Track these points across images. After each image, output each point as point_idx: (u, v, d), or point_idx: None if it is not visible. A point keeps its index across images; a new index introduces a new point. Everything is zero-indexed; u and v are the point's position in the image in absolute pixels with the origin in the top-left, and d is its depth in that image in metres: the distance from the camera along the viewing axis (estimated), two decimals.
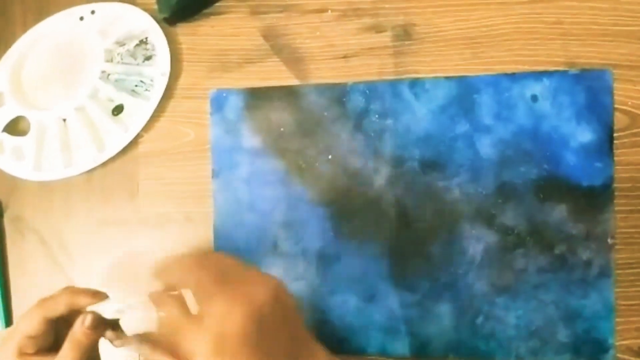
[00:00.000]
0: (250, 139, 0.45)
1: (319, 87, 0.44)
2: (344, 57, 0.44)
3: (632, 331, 0.40)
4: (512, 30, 0.41)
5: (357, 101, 0.44)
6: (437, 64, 0.42)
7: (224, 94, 0.46)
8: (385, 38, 0.43)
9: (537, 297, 0.41)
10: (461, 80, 0.42)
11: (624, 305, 0.40)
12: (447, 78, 0.43)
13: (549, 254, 0.41)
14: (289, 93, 0.45)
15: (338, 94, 0.44)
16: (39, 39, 0.49)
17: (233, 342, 0.28)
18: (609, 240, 0.40)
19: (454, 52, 0.42)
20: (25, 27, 0.49)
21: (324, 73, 0.44)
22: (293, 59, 0.45)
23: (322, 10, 0.44)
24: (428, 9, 0.43)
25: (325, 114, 0.44)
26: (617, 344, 0.40)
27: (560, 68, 0.41)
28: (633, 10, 0.40)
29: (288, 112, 0.45)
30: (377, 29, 0.43)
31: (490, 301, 0.41)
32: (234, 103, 0.46)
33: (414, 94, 0.43)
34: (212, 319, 0.29)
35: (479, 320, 0.41)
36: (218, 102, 0.46)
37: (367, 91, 0.44)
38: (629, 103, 0.40)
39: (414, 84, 0.43)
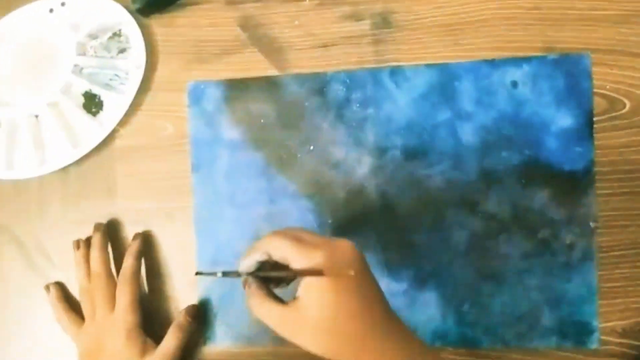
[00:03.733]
0: (230, 131, 0.43)
1: (299, 77, 0.42)
2: (324, 46, 0.42)
3: (616, 313, 0.38)
4: (490, 16, 0.40)
5: (337, 91, 0.42)
6: (417, 51, 0.41)
7: (202, 86, 0.43)
8: (364, 26, 0.41)
9: (521, 283, 0.39)
10: (441, 68, 0.41)
11: (606, 287, 0.39)
12: (427, 65, 0.41)
13: (532, 239, 0.39)
14: (268, 84, 0.42)
15: (318, 83, 0.42)
16: (7, 33, 0.45)
17: (346, 257, 0.30)
18: (591, 224, 0.39)
19: (433, 39, 0.40)
20: None
21: (304, 62, 0.42)
22: (272, 49, 0.42)
23: None
24: None
25: (306, 104, 0.42)
26: (601, 326, 0.39)
27: (539, 53, 0.39)
28: None
29: (268, 103, 0.42)
30: (356, 17, 0.41)
31: (476, 288, 0.40)
32: (213, 95, 0.43)
33: (395, 82, 0.41)
34: (327, 241, 0.31)
35: (465, 307, 0.40)
36: (196, 95, 0.43)
37: (348, 80, 0.41)
38: (608, 87, 0.39)
39: (395, 72, 0.41)
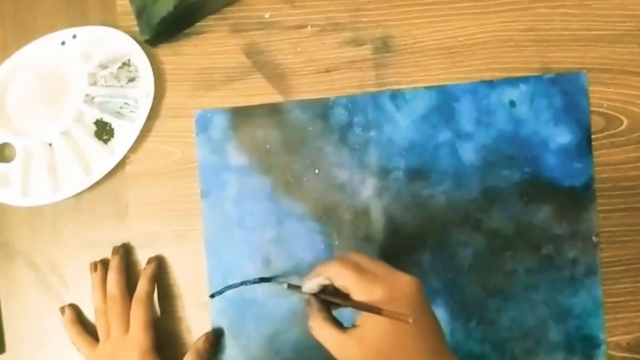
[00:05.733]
0: (237, 158, 0.44)
1: (303, 103, 0.44)
2: (326, 71, 0.43)
3: (620, 327, 0.39)
4: (487, 38, 0.41)
5: (340, 115, 0.43)
6: (416, 74, 0.42)
7: (209, 114, 0.45)
8: (365, 51, 0.43)
9: (527, 298, 0.40)
10: (441, 90, 0.42)
11: (610, 302, 0.39)
12: (426, 88, 0.42)
13: (536, 255, 0.40)
14: (273, 110, 0.44)
15: (321, 108, 0.43)
16: (22, 65, 0.47)
17: (406, 294, 0.31)
18: (594, 239, 0.40)
19: (432, 62, 0.42)
20: (7, 54, 0.48)
21: (307, 88, 0.43)
22: (275, 75, 0.44)
23: (302, 26, 0.44)
24: (405, 21, 0.42)
25: (310, 129, 0.43)
26: (606, 340, 0.40)
27: (536, 73, 0.40)
28: (604, 15, 0.40)
29: (273, 129, 0.44)
30: (357, 42, 0.43)
31: (483, 304, 0.41)
32: (219, 123, 0.44)
33: (396, 105, 0.42)
34: (389, 274, 0.32)
35: (473, 323, 0.41)
36: (203, 123, 0.45)
37: (350, 105, 0.43)
38: (605, 105, 0.40)
39: (395, 95, 0.42)
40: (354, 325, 0.32)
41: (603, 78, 0.40)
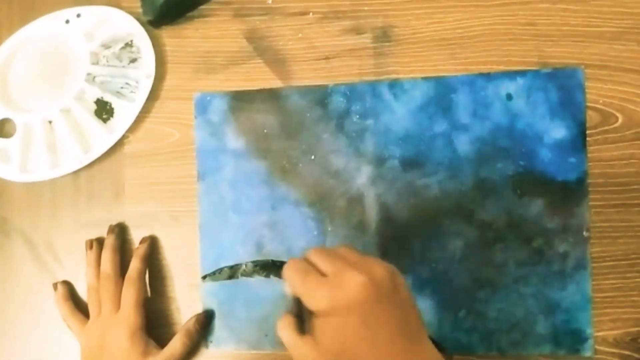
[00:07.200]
0: (235, 141, 0.45)
1: (301, 89, 0.44)
2: (326, 58, 0.44)
3: (608, 322, 0.39)
4: (486, 31, 0.41)
5: (338, 102, 0.43)
6: (415, 64, 0.42)
7: (208, 98, 0.45)
8: (365, 40, 0.43)
9: (516, 290, 0.40)
10: (438, 81, 0.42)
11: (598, 297, 0.40)
12: (425, 78, 0.42)
13: (527, 248, 0.41)
14: (272, 95, 0.44)
15: (320, 95, 0.44)
16: (25, 42, 0.48)
17: (350, 300, 0.29)
18: (585, 234, 0.40)
19: (431, 53, 0.42)
20: (11, 30, 0.48)
21: (306, 74, 0.44)
22: (276, 61, 0.45)
23: (304, 13, 0.44)
24: (406, 12, 0.42)
25: (308, 115, 0.44)
26: (594, 334, 0.40)
27: (534, 67, 0.41)
28: (603, 12, 0.40)
29: (271, 114, 0.44)
30: (357, 30, 0.43)
31: (472, 295, 0.41)
32: (218, 106, 0.45)
33: (394, 94, 0.43)
34: (334, 278, 0.30)
35: (461, 314, 0.41)
36: (202, 105, 0.45)
37: (348, 92, 0.43)
38: (601, 101, 0.40)
39: (393, 84, 0.43)
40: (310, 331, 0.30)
41: (600, 74, 0.41)
